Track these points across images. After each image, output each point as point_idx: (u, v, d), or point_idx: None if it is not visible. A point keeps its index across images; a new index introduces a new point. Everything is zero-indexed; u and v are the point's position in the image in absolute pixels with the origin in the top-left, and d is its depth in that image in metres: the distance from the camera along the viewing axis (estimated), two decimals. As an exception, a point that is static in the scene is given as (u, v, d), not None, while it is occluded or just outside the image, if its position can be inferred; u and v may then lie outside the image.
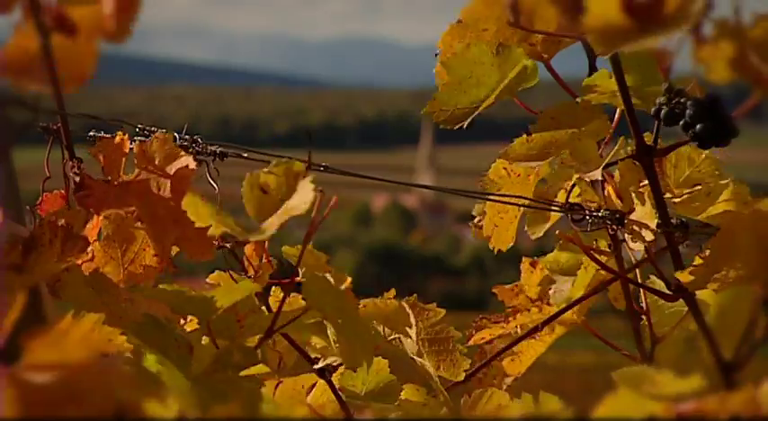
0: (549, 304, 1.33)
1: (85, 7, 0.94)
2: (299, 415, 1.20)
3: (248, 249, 1.21)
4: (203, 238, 1.12)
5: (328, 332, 1.03)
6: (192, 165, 1.15)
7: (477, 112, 1.22)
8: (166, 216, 1.12)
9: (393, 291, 1.26)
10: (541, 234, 1.31)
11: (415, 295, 1.26)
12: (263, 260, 1.22)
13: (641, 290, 1.29)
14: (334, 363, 1.11)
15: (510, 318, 1.34)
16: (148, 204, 1.13)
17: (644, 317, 1.31)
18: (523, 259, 1.38)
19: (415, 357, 1.16)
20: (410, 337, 1.15)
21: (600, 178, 1.16)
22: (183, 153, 1.16)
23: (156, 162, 1.15)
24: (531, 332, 1.30)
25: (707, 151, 1.23)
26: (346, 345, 1.00)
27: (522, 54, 1.18)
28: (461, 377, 1.24)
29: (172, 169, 1.14)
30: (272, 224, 0.93)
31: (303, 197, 0.93)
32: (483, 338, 1.35)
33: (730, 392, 0.81)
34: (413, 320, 1.18)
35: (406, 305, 1.21)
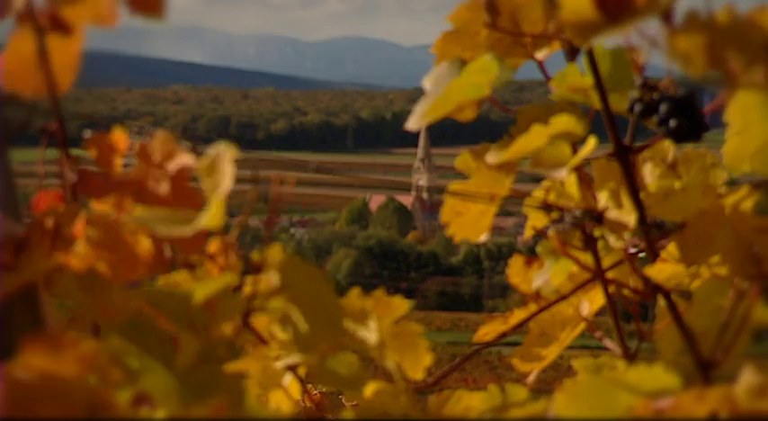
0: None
1: (77, 6, 0.96)
2: (273, 398, 1.21)
3: (213, 246, 1.20)
4: (198, 236, 1.13)
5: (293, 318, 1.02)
6: (191, 162, 1.16)
7: (440, 117, 1.23)
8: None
9: (382, 291, 1.27)
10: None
11: (382, 289, 1.27)
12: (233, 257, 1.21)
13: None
14: (295, 362, 1.10)
15: (509, 315, 1.34)
16: (145, 201, 1.14)
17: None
18: (515, 256, 1.38)
19: (377, 357, 1.16)
20: (372, 335, 1.15)
21: (565, 178, 1.17)
22: (181, 151, 1.17)
23: (156, 160, 1.16)
24: (498, 337, 1.31)
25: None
26: (309, 326, 0.98)
27: (490, 58, 1.19)
28: (420, 374, 1.24)
29: (171, 167, 1.15)
30: (208, 212, 0.95)
31: (224, 175, 0.95)
32: (486, 334, 1.35)
33: (707, 389, 0.82)
34: (374, 319, 1.18)
35: (368, 303, 1.21)
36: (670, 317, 1.23)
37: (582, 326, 1.36)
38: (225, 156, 0.96)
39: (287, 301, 0.98)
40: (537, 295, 1.34)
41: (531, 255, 1.37)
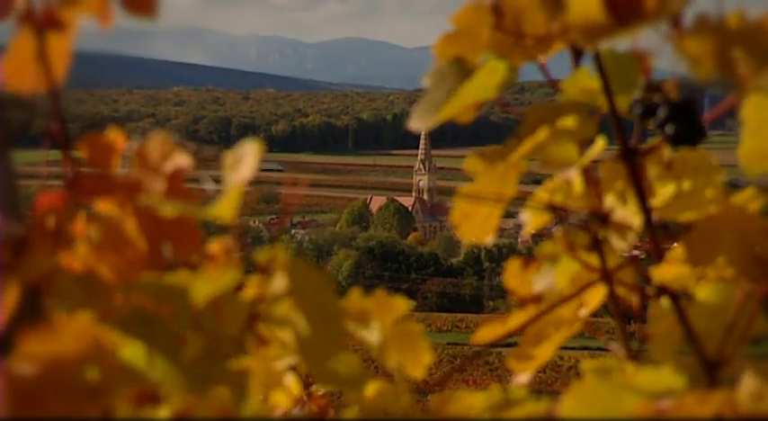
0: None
1: (72, 5, 0.96)
2: (275, 398, 1.21)
3: (215, 246, 1.20)
4: (192, 236, 1.13)
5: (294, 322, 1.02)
6: (187, 163, 1.15)
7: (449, 118, 1.23)
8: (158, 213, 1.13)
9: (383, 291, 1.26)
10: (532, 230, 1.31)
11: (382, 289, 1.26)
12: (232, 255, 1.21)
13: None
14: (296, 362, 1.10)
15: (508, 316, 1.34)
16: (140, 201, 1.14)
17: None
18: (512, 259, 1.37)
19: (378, 357, 1.16)
20: (374, 335, 1.15)
21: (573, 179, 1.17)
22: (178, 151, 1.16)
23: (153, 161, 1.16)
24: (497, 340, 1.30)
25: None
26: (312, 334, 0.98)
27: (498, 60, 1.19)
28: (421, 373, 1.24)
29: (167, 168, 1.15)
30: (222, 201, 0.95)
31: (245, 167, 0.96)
32: (484, 336, 1.35)
33: (711, 390, 0.82)
34: (375, 319, 1.17)
35: (369, 303, 1.21)
36: (667, 320, 1.23)
37: (577, 326, 1.35)
38: (250, 150, 0.96)
39: (292, 306, 0.98)
40: (537, 298, 1.33)
41: (529, 257, 1.36)
